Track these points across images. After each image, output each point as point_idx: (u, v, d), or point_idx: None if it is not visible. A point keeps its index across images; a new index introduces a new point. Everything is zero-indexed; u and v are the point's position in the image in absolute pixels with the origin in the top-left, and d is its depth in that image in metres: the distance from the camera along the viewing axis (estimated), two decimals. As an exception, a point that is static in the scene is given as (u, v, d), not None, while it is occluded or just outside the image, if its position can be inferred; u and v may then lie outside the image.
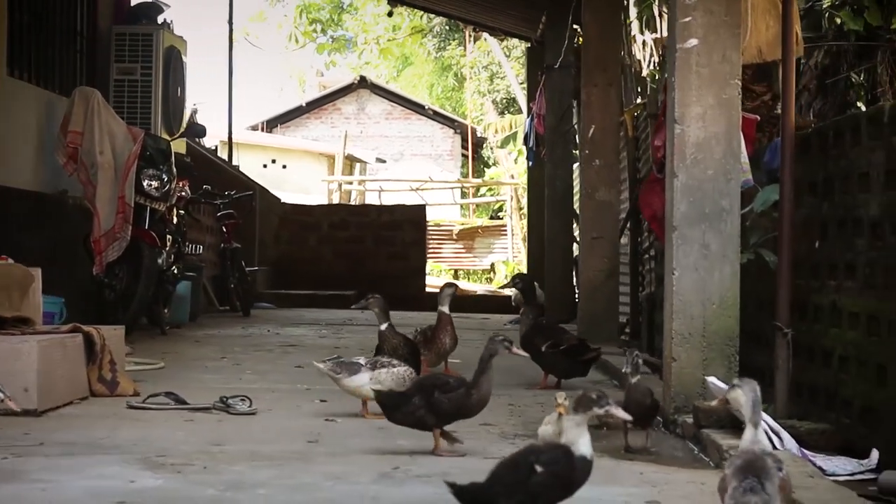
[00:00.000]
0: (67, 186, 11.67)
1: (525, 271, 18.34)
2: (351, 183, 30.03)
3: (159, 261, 11.52)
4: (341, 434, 6.44)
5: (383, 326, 7.82)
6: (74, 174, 11.20)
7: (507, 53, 29.22)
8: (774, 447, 5.70)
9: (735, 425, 6.11)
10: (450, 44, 34.31)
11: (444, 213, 31.57)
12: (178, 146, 13.16)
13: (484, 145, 34.34)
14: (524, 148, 17.45)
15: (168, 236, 11.93)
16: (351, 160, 31.61)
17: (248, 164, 26.98)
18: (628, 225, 12.05)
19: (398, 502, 4.78)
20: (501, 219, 29.92)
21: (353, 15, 32.11)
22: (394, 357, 7.77)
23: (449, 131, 34.70)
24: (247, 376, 8.86)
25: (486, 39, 29.18)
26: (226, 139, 30.37)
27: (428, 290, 19.25)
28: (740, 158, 6.84)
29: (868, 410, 6.30)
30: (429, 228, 29.91)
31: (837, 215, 6.87)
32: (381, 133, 33.61)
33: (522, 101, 24.10)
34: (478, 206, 33.47)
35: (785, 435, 5.78)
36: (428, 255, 29.46)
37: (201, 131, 12.64)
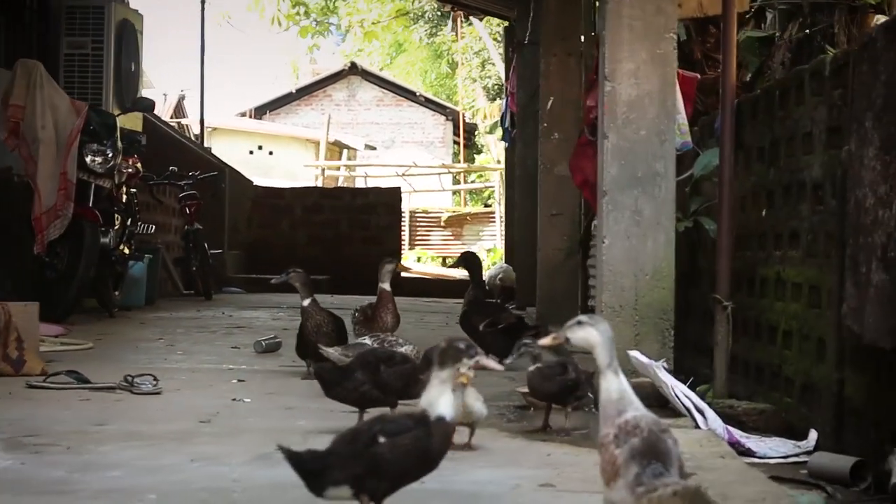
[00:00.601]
0: (12, 163, 11.22)
1: (504, 255, 17.89)
2: (339, 168, 29.60)
3: (105, 240, 11.08)
4: (242, 414, 6.01)
5: (306, 302, 7.38)
6: (16, 150, 10.75)
7: (499, 39, 28.70)
8: (697, 426, 5.25)
9: (661, 404, 5.66)
10: (441, 29, 33.85)
11: (435, 200, 31.13)
12: (134, 123, 12.73)
13: (476, 132, 33.87)
14: (501, 130, 16.98)
15: (116, 215, 11.45)
16: (339, 146, 31.16)
17: (235, 151, 26.61)
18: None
19: (261, 485, 4.34)
20: (490, 206, 29.49)
21: (347, 2, 31.67)
22: (318, 335, 7.35)
23: (440, 118, 34.23)
24: (174, 356, 8.45)
25: (472, 24, 28.72)
26: (214, 125, 30.01)
27: (404, 275, 18.82)
28: (676, 119, 6.38)
29: (808, 388, 5.83)
30: (417, 216, 29.53)
31: (783, 181, 6.40)
32: (371, 120, 33.14)
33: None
34: (471, 193, 33.04)
35: (709, 412, 5.31)
36: (416, 243, 29.13)
37: (149, 105, 12.18)
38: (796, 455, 5.37)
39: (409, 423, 3.63)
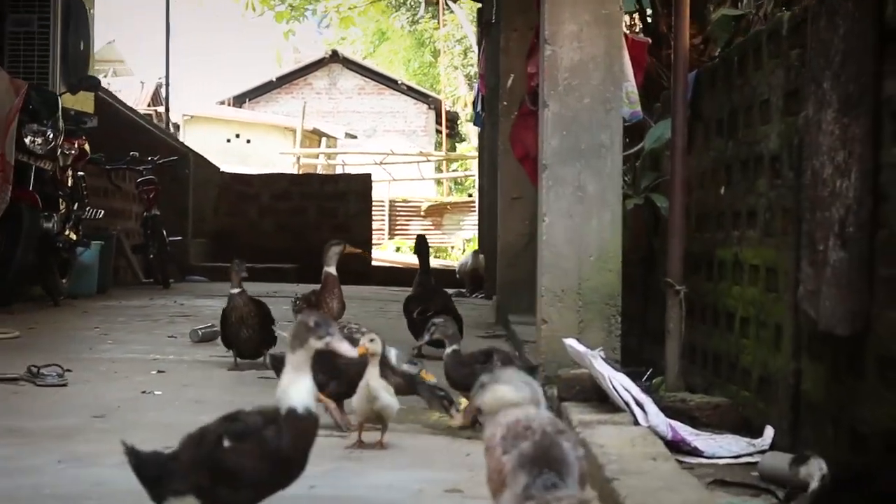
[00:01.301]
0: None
1: (477, 243, 17.37)
2: (316, 157, 29.02)
3: (48, 225, 10.53)
4: (145, 408, 5.50)
5: (235, 290, 6.89)
6: (-48, 130, 10.19)
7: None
8: (637, 422, 4.72)
9: (602, 398, 5.13)
10: (423, 17, 33.28)
11: (417, 190, 30.60)
12: (84, 104, 12.17)
13: (458, 121, 33.29)
14: (474, 114, 16.44)
15: (61, 199, 10.89)
16: (319, 135, 30.59)
17: (212, 139, 26.07)
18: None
19: (126, 489, 3.80)
20: (472, 195, 28.96)
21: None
22: (242, 327, 6.87)
23: (423, 107, 33.65)
24: (103, 346, 7.94)
25: (453, 11, 28.14)
26: (191, 114, 29.45)
27: (375, 264, 18.30)
28: (624, 86, 5.85)
29: (765, 380, 5.31)
30: (396, 205, 28.97)
31: (741, 154, 5.88)
32: (353, 108, 32.53)
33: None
34: (455, 183, 32.49)
35: (651, 407, 4.78)
36: (395, 232, 28.58)
37: (95, 84, 11.63)
38: (749, 454, 4.85)
39: (259, 421, 3.12)
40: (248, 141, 28.67)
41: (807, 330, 4.80)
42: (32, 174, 10.30)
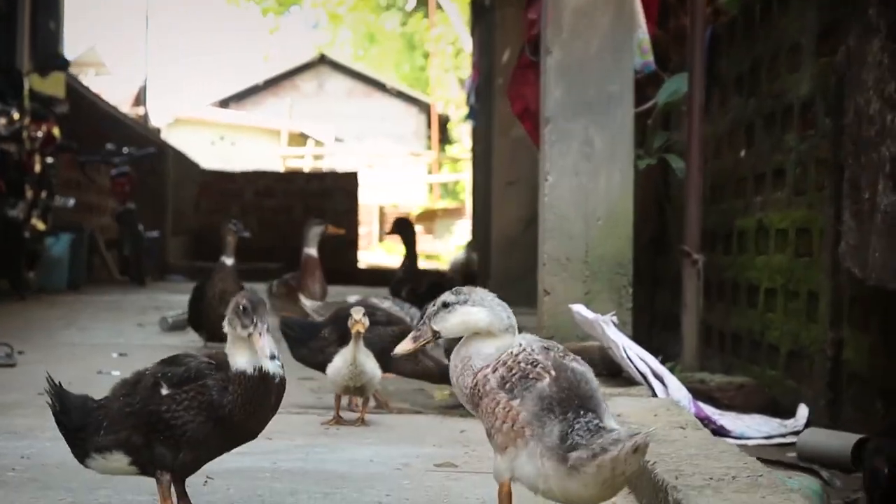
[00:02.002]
0: None
1: (471, 241, 16.77)
2: (302, 158, 28.39)
3: (13, 212, 9.89)
4: (99, 386, 4.85)
5: (229, 262, 6.33)
6: None
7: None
8: (655, 395, 4.12)
9: (612, 373, 4.53)
10: (413, 7, 32.69)
11: (406, 195, 30.03)
12: (55, 88, 11.55)
13: (448, 123, 32.69)
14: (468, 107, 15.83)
15: (27, 185, 10.26)
16: (305, 138, 29.97)
17: (196, 142, 25.48)
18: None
19: (55, 463, 3.32)
20: (463, 200, 28.37)
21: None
22: (221, 304, 6.25)
23: (413, 110, 33.04)
24: (65, 332, 7.43)
25: (444, 10, 27.62)
26: (176, 116, 28.82)
27: (362, 266, 17.70)
28: (635, 32, 5.27)
29: (796, 356, 4.73)
30: (386, 210, 28.35)
31: (764, 110, 5.32)
32: (341, 112, 31.83)
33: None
34: (445, 188, 31.91)
35: (671, 380, 4.20)
36: (385, 237, 27.97)
37: (63, 64, 11.03)
38: (782, 435, 4.27)
39: (203, 368, 2.55)
40: (234, 143, 28.08)
41: (849, 293, 4.22)
42: (-4, 158, 9.69)
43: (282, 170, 25.07)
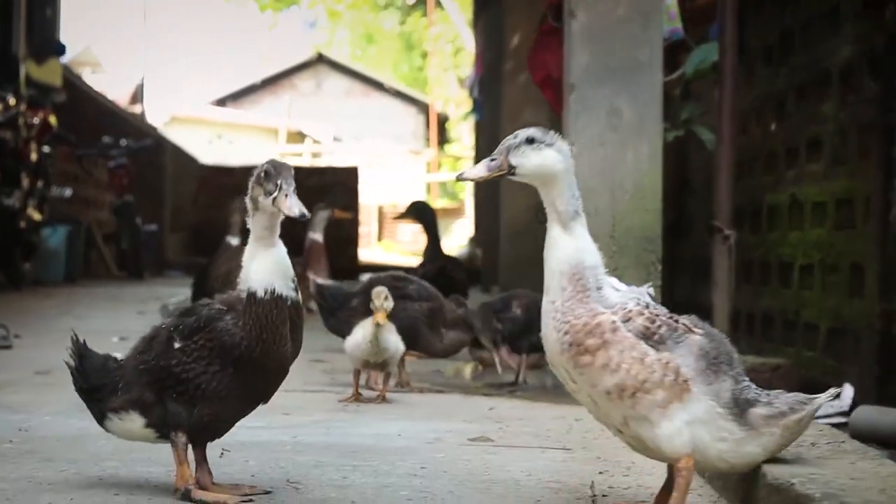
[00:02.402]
0: None
1: (473, 236, 16.56)
2: (300, 156, 28.11)
3: (9, 201, 9.61)
4: None
5: (235, 241, 6.07)
6: None
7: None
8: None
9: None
10: (410, 15, 32.44)
11: (405, 195, 29.79)
12: (51, 77, 11.29)
13: (447, 121, 32.43)
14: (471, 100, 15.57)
15: (23, 174, 9.97)
16: (303, 137, 29.71)
17: (193, 140, 25.21)
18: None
19: (56, 436, 3.12)
20: (462, 199, 28.11)
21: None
22: (226, 286, 5.97)
23: (411, 109, 32.77)
24: (61, 319, 7.15)
25: (444, 7, 27.36)
26: (173, 114, 28.57)
27: (362, 263, 17.41)
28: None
29: (837, 333, 4.48)
30: (385, 210, 28.09)
31: (797, 80, 5.07)
32: (339, 111, 31.54)
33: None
34: (444, 189, 31.66)
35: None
36: (384, 236, 27.68)
37: (60, 49, 10.75)
38: (828, 416, 4.01)
39: (214, 313, 2.32)
40: (231, 142, 27.81)
41: (900, 263, 3.98)
42: (-8, 145, 9.41)
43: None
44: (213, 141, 27.77)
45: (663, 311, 2.24)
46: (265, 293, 2.29)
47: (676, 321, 2.20)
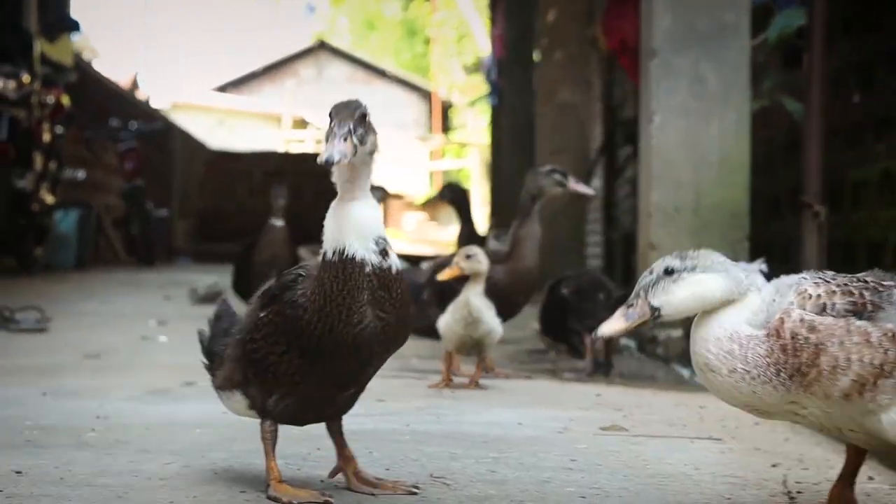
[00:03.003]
0: None
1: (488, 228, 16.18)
2: (304, 142, 27.76)
3: (22, 183, 9.23)
4: (149, 351, 4.57)
5: (279, 223, 5.76)
6: None
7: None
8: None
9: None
10: (413, 1, 32.04)
11: (409, 184, 29.51)
12: (63, 56, 10.93)
13: (450, 111, 32.08)
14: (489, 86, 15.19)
15: (37, 154, 9.60)
16: (305, 124, 29.35)
17: (195, 127, 24.86)
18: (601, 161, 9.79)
19: (133, 424, 2.76)
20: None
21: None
22: (273, 268, 5.67)
23: (414, 97, 32.43)
24: (86, 302, 6.87)
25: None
26: (174, 101, 28.17)
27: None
28: (751, -45, 4.70)
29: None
30: (390, 198, 27.75)
31: (886, 47, 4.75)
32: (341, 98, 30.97)
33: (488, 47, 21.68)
34: (449, 177, 31.35)
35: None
36: (389, 225, 27.33)
37: (73, 25, 10.37)
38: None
39: (291, 281, 1.95)
40: (232, 129, 27.45)
41: None
42: (5, 124, 9.03)
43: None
44: (214, 128, 27.39)
45: (838, 276, 1.89)
46: (333, 254, 1.90)
47: (866, 281, 1.85)
